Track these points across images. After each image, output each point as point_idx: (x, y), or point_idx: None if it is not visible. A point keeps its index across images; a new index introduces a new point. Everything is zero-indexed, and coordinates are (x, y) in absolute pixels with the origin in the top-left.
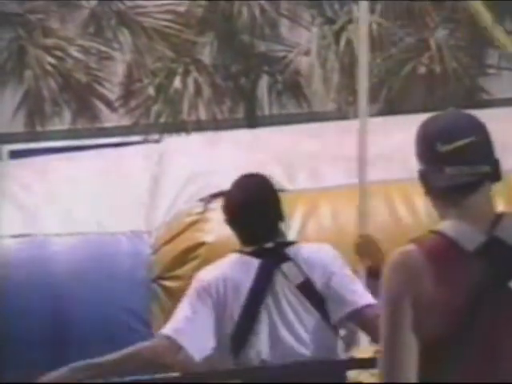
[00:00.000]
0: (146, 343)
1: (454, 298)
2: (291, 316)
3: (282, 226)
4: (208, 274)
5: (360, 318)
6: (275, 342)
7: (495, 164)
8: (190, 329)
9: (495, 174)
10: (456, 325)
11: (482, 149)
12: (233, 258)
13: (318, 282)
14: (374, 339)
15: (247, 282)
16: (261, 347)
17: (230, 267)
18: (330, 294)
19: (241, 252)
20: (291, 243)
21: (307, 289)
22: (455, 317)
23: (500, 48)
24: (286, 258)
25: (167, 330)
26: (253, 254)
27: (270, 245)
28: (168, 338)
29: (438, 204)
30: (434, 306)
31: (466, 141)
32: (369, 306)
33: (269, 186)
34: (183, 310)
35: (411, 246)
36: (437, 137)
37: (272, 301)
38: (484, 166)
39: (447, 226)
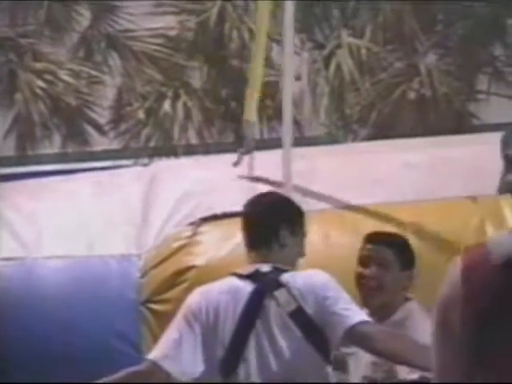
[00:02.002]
0: (134, 368)
1: None
2: (281, 344)
3: (288, 243)
4: (198, 298)
5: (356, 335)
6: (264, 369)
7: None
8: (176, 353)
9: None
10: None
11: None
12: (227, 281)
13: (311, 309)
14: (377, 356)
15: (239, 306)
16: (250, 372)
17: (223, 290)
18: (324, 318)
19: (236, 275)
20: (286, 270)
21: (299, 317)
22: None
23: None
24: (280, 285)
25: (153, 355)
26: (248, 277)
27: (266, 269)
28: (154, 363)
29: None
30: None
31: None
32: (364, 322)
33: (274, 200)
34: (171, 334)
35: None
36: None
37: (262, 327)
38: None
39: None
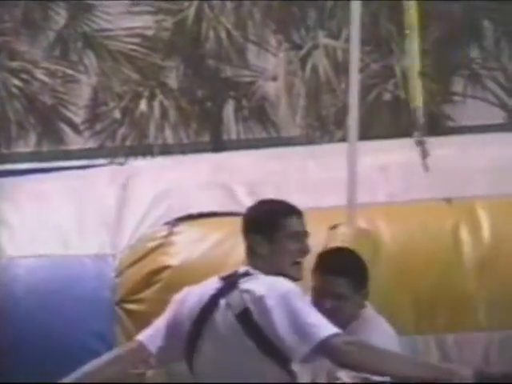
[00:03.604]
0: (121, 348)
1: None
2: (226, 344)
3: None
4: (184, 291)
5: (328, 348)
6: (210, 367)
7: None
8: (151, 329)
9: None
10: None
11: None
12: (210, 280)
13: (257, 313)
14: (349, 368)
15: (201, 304)
16: (202, 369)
17: (201, 288)
18: (295, 329)
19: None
20: (251, 273)
21: (245, 319)
22: None
23: (409, 100)
24: (235, 287)
25: (141, 335)
26: (223, 278)
27: (240, 271)
28: (140, 343)
29: None
30: None
31: None
32: (335, 335)
33: (249, 211)
34: (159, 319)
35: None
36: None
37: (212, 327)
38: None
39: None
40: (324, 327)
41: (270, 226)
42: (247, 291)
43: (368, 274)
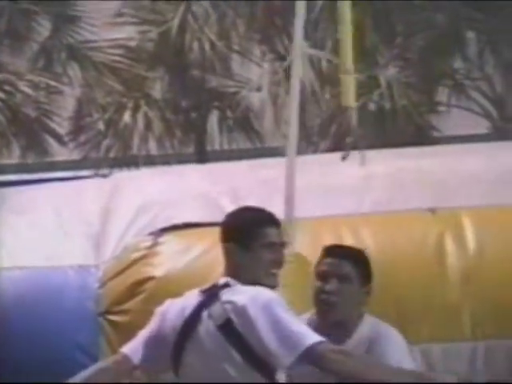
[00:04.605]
0: (106, 360)
1: None
2: (210, 356)
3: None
4: (166, 303)
5: (313, 355)
6: (195, 379)
7: None
8: (135, 341)
9: None
10: None
11: None
12: (191, 292)
13: (240, 324)
14: (335, 376)
15: (183, 317)
16: (188, 380)
17: (183, 301)
18: (279, 338)
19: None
20: (231, 284)
21: (228, 330)
22: None
23: (342, 99)
24: (216, 299)
25: (125, 347)
26: (204, 290)
27: (221, 282)
28: (124, 355)
29: None
30: None
31: None
32: (320, 342)
33: (233, 214)
34: (143, 331)
35: None
36: None
37: (196, 339)
38: None
39: None
40: (309, 335)
41: (246, 235)
42: (229, 302)
43: (372, 275)
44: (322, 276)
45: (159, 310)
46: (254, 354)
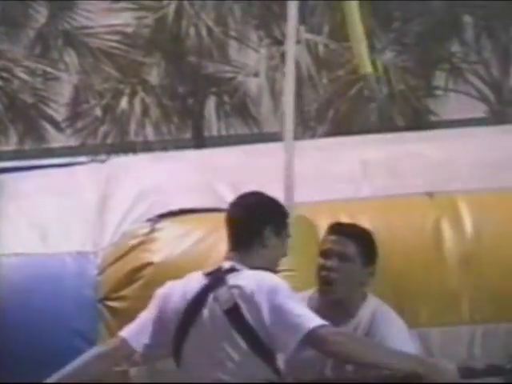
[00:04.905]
0: (103, 346)
1: None
2: (213, 339)
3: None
4: (166, 286)
5: (315, 339)
6: (197, 362)
7: None
8: (134, 325)
9: None
10: None
11: None
12: (193, 275)
13: (247, 310)
14: (336, 358)
15: (187, 300)
16: (189, 363)
17: (185, 283)
18: (281, 322)
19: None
20: (237, 269)
21: (234, 315)
22: None
23: (359, 68)
24: (223, 283)
25: (124, 331)
26: (208, 273)
27: (226, 266)
28: (123, 339)
29: None
30: None
31: None
32: (321, 326)
33: (260, 200)
34: (142, 315)
35: None
36: None
37: (200, 322)
38: None
39: None
40: (311, 319)
41: (281, 223)
42: (236, 287)
43: (377, 255)
44: (325, 253)
45: (160, 292)
46: (258, 340)
